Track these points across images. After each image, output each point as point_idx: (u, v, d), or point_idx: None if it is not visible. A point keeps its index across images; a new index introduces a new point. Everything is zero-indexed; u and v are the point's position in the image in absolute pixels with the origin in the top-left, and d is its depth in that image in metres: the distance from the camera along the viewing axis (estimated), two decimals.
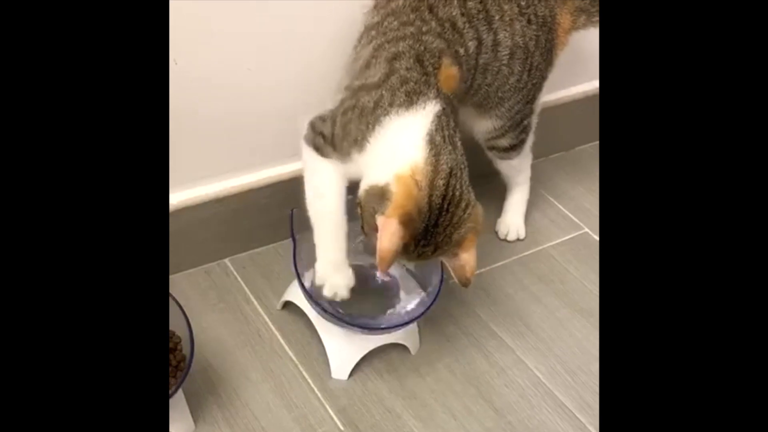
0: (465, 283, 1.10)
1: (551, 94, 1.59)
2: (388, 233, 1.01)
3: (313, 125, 1.16)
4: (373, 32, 1.16)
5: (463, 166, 1.08)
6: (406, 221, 1.02)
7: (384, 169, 1.06)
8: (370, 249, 1.12)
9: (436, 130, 1.06)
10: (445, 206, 1.05)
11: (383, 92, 1.08)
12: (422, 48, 1.10)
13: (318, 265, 1.17)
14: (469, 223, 1.08)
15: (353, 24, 1.24)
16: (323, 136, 1.14)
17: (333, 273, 1.17)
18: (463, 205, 1.06)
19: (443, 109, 1.08)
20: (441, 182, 1.04)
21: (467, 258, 1.09)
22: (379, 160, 1.07)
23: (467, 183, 1.08)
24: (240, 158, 1.35)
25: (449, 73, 1.11)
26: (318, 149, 1.15)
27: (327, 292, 1.17)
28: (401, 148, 1.06)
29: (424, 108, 1.07)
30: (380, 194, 1.05)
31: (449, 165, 1.05)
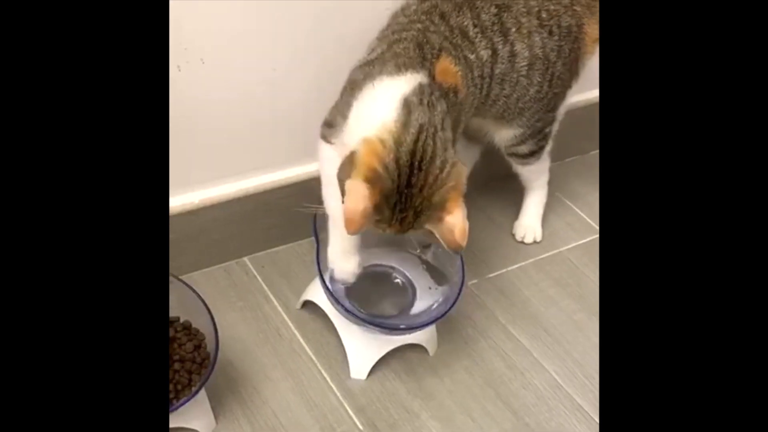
0: (456, 248, 1.02)
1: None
2: (353, 193, 0.98)
3: (324, 120, 1.17)
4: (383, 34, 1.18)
5: (438, 126, 1.02)
6: (372, 179, 0.98)
7: (357, 136, 1.02)
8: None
9: (414, 93, 1.03)
10: (416, 163, 1.00)
11: (375, 65, 1.09)
12: (424, 40, 1.11)
13: (329, 250, 1.18)
14: (449, 182, 1.01)
15: (378, 23, 1.25)
16: (327, 123, 1.15)
17: (341, 259, 1.17)
18: (437, 162, 1.00)
19: (429, 83, 1.05)
20: (409, 138, 1.00)
21: (453, 221, 1.01)
22: (356, 127, 1.05)
23: (444, 141, 1.02)
24: (260, 158, 1.36)
25: (447, 67, 1.10)
26: (324, 137, 1.15)
27: (336, 276, 1.18)
28: (376, 111, 1.03)
29: (409, 76, 1.05)
30: (350, 162, 1.01)
31: (419, 122, 1.00)
